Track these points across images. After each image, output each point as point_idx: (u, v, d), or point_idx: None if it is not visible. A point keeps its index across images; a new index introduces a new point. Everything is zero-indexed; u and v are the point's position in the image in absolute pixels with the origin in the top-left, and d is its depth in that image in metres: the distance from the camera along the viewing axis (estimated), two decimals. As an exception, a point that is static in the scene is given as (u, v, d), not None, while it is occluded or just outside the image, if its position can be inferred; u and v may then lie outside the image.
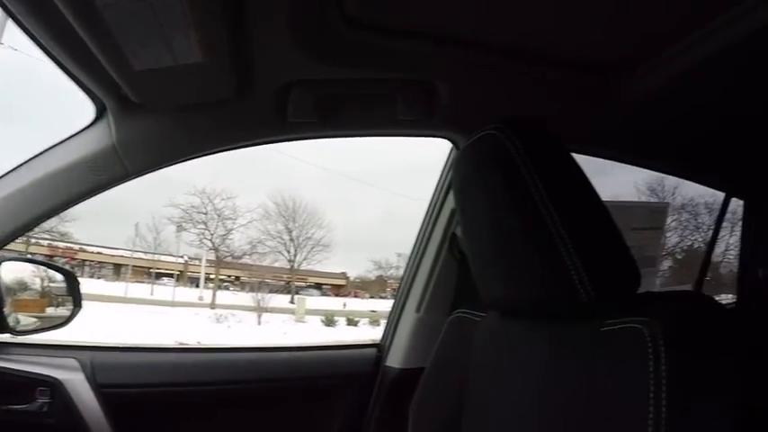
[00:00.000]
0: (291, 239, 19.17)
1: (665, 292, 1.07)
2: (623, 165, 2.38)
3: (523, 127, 1.14)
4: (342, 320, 16.35)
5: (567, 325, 1.09)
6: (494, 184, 1.15)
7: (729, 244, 3.65)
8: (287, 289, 19.46)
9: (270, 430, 1.94)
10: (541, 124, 1.15)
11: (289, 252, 19.17)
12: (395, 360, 2.05)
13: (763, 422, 2.00)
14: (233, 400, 1.89)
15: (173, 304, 17.40)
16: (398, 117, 1.73)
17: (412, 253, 2.16)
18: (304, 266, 19.62)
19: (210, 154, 1.72)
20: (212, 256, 19.38)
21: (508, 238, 1.13)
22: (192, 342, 8.76)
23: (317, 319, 16.27)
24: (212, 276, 19.67)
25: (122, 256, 20.73)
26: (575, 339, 1.05)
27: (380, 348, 2.13)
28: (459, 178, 1.30)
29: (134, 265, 20.63)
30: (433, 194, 2.09)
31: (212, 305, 17.85)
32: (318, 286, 21.28)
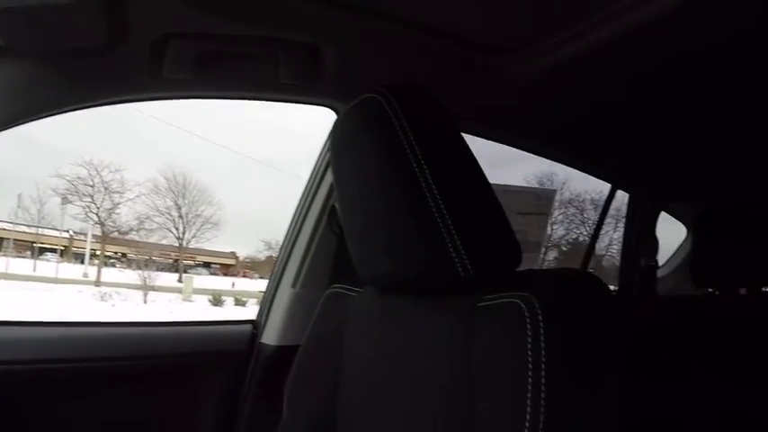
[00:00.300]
0: (180, 216, 18.68)
1: (547, 269, 1.03)
2: (515, 159, 2.38)
3: (407, 93, 1.08)
4: (230, 300, 16.14)
5: (443, 301, 1.04)
6: (370, 150, 1.09)
7: (613, 239, 3.76)
8: (175, 267, 19.05)
9: (141, 408, 1.82)
10: (427, 92, 1.09)
11: (177, 229, 18.71)
12: (270, 337, 1.98)
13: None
14: (102, 377, 1.76)
15: (56, 281, 16.74)
16: (280, 81, 1.64)
17: (289, 227, 2.09)
18: (193, 244, 19.21)
19: (80, 108, 1.57)
20: (99, 232, 18.74)
21: (383, 209, 1.08)
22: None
23: (205, 299, 16.01)
24: (98, 252, 19.06)
25: (4, 230, 19.85)
26: (451, 315, 1.01)
27: (256, 325, 2.05)
28: (336, 145, 1.24)
29: (16, 239, 19.78)
30: (314, 166, 2.02)
31: (97, 282, 17.27)
32: (207, 265, 20.91)
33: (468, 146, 1.07)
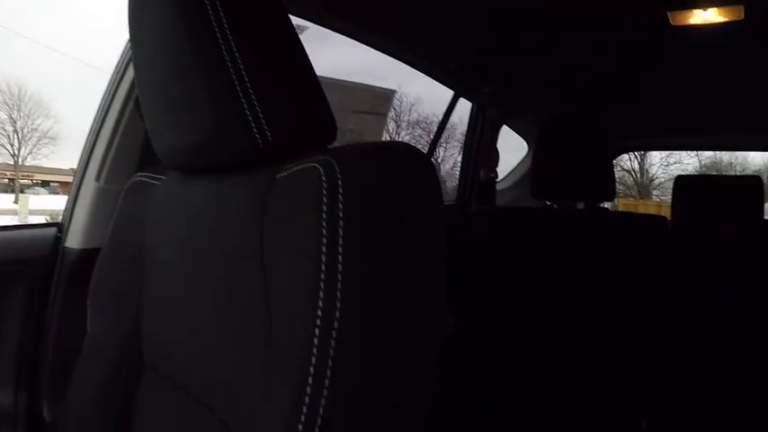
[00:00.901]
0: (15, 131, 17.53)
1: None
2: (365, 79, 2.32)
3: None
4: (69, 220, 15.52)
5: (242, 177, 0.90)
6: (166, 5, 0.91)
7: (458, 161, 3.79)
8: (11, 187, 18.02)
9: None
10: None
11: (12, 146, 17.58)
12: (75, 240, 1.77)
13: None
14: None
15: None
16: None
17: (95, 115, 1.85)
18: (29, 162, 18.12)
19: None
20: (-77, 150, 17.39)
21: (175, 74, 0.92)
22: None
23: (43, 219, 15.32)
24: (-76, 175, 17.79)
25: None
26: (248, 190, 0.86)
27: (61, 228, 1.83)
28: (133, 5, 1.05)
29: None
30: (124, 48, 1.80)
31: (-76, 208, 16.15)
32: (46, 184, 19.91)
33: (286, 14, 0.92)
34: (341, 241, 0.70)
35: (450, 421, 2.04)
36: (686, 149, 14.03)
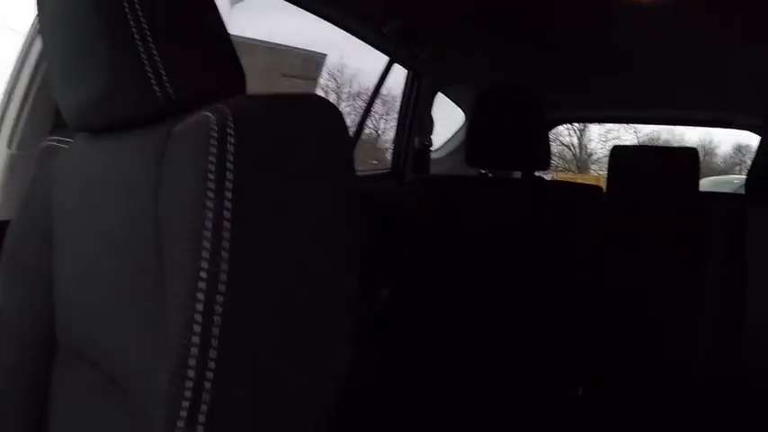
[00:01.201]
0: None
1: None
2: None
3: None
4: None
5: (143, 132, 0.84)
6: None
7: None
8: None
9: None
10: None
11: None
12: None
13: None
14: None
15: None
16: None
17: (8, 81, 1.74)
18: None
19: None
20: None
21: (78, 31, 0.86)
22: None
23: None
24: None
25: None
26: (144, 146, 0.81)
27: None
28: None
29: None
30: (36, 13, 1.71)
31: None
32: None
33: None
34: (228, 195, 0.65)
35: (383, 391, 2.03)
36: (624, 122, 14.29)
